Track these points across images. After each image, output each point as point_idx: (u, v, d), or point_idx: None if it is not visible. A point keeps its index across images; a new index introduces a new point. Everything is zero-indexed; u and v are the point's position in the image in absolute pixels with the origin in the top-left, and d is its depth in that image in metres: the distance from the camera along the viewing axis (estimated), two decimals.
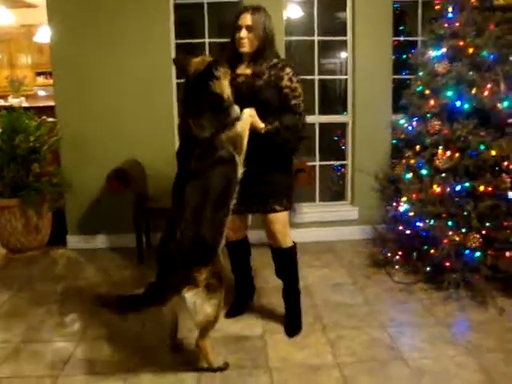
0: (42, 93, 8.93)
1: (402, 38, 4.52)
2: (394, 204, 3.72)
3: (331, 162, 4.81)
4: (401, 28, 4.57)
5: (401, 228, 3.62)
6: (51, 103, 4.54)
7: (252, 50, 2.60)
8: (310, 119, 4.41)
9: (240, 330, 2.83)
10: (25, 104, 6.67)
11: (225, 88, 2.33)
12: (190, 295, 2.22)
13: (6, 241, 4.25)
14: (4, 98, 7.84)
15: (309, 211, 4.46)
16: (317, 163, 4.55)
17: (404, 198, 3.58)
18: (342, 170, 4.67)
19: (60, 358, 2.57)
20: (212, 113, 2.30)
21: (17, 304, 3.28)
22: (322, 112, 4.52)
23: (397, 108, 4.24)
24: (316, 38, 4.37)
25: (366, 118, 4.36)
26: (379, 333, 2.78)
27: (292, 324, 2.83)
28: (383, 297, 3.28)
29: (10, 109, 4.34)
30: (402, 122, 3.92)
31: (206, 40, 4.34)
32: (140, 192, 4.00)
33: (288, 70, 2.57)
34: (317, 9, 4.32)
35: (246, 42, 2.57)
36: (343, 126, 4.56)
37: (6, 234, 4.19)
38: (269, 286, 3.38)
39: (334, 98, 5.30)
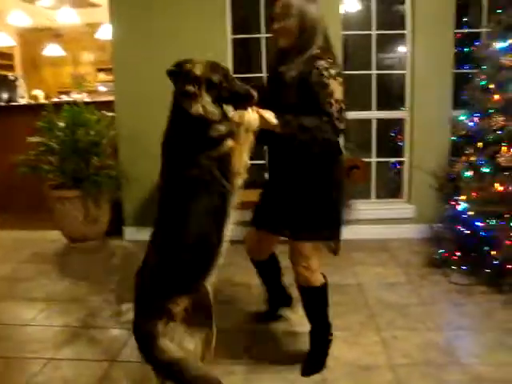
0: (102, 88, 9.23)
1: (464, 30, 4.35)
2: (453, 203, 3.60)
3: (388, 159, 4.70)
4: (464, 19, 4.39)
5: (459, 228, 3.50)
6: (111, 98, 4.67)
7: (291, 44, 2.18)
8: (366, 115, 4.40)
9: (289, 326, 2.82)
10: (86, 99, 6.91)
11: (197, 111, 1.87)
12: (162, 330, 1.81)
13: (67, 230, 4.43)
14: (67, 93, 8.16)
15: (364, 208, 4.38)
16: (373, 160, 4.46)
17: (463, 197, 3.46)
18: (399, 166, 4.56)
19: (116, 345, 2.65)
20: (195, 137, 1.89)
21: (76, 291, 3.42)
22: (379, 107, 4.42)
23: (457, 103, 4.09)
24: (374, 32, 4.27)
25: (424, 114, 4.23)
26: (435, 335, 2.69)
27: (312, 363, 2.43)
28: (439, 298, 3.18)
29: (73, 104, 4.52)
30: (462, 117, 3.78)
31: (263, 35, 4.35)
32: None
33: (320, 62, 2.10)
34: (375, 2, 4.22)
35: (280, 34, 2.18)
36: (401, 121, 4.44)
37: (67, 223, 4.37)
38: None
39: (391, 93, 5.17)
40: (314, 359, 2.43)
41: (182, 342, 1.84)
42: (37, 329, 2.88)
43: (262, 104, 2.04)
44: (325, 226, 2.28)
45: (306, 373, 2.37)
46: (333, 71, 2.11)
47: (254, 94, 1.93)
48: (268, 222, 2.38)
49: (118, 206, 4.58)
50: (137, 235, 4.52)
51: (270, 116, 2.04)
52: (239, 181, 1.96)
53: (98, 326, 2.89)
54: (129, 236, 4.55)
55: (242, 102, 1.96)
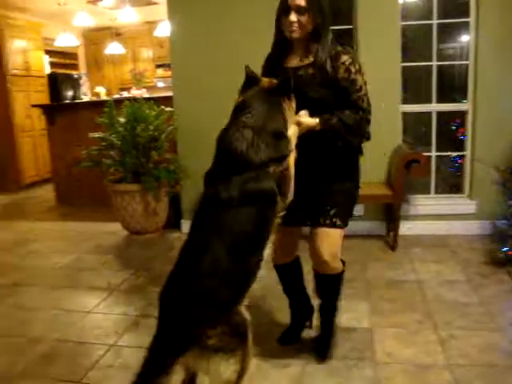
0: (160, 84, 9.47)
1: None
2: None
3: (449, 153, 4.54)
4: None
5: None
6: (169, 94, 4.78)
7: (304, 36, 2.11)
8: (426, 108, 4.27)
9: (347, 321, 2.79)
10: (145, 95, 7.09)
11: (291, 115, 1.94)
12: (194, 360, 1.68)
13: (127, 223, 4.58)
14: (128, 89, 8.41)
15: (423, 203, 4.27)
16: (433, 154, 4.33)
17: None
18: (460, 161, 4.41)
19: None
20: (273, 136, 1.83)
21: (136, 282, 3.53)
22: (440, 100, 4.28)
23: None
24: (435, 22, 4.13)
25: (488, 106, 4.06)
26: (497, 336, 2.59)
27: (324, 346, 2.45)
28: (502, 298, 3.05)
29: (133, 100, 4.66)
30: None
31: None
32: None
33: (344, 57, 2.08)
34: None
35: (297, 27, 2.07)
36: (462, 114, 4.28)
37: (127, 216, 4.52)
38: (383, 276, 3.30)
39: (452, 84, 4.99)
40: (327, 342, 2.45)
41: (216, 371, 1.68)
42: (99, 316, 3.01)
43: None
44: (351, 213, 2.31)
45: (324, 356, 2.41)
46: (357, 65, 2.10)
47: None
48: (295, 215, 2.25)
49: (176, 200, 4.69)
50: None
51: (307, 118, 2.05)
52: (288, 201, 1.93)
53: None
54: (186, 229, 4.62)
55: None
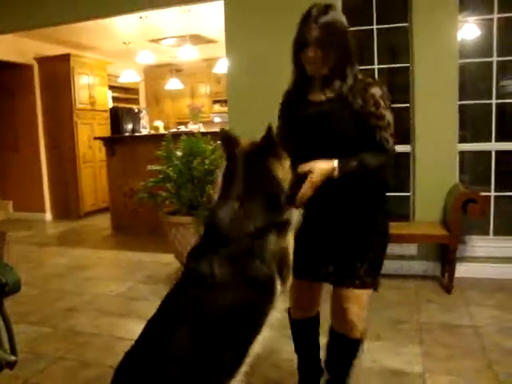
0: (217, 119, 9.70)
1: None
2: None
3: (509, 193, 4.37)
4: None
5: None
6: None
7: (326, 71, 1.87)
8: (485, 147, 4.16)
9: (398, 364, 2.68)
10: (202, 129, 7.28)
11: (286, 175, 1.70)
12: None
13: (180, 254, 4.65)
14: (185, 124, 8.67)
15: (481, 245, 4.11)
16: (492, 194, 4.19)
17: None
18: None
19: None
20: (267, 200, 1.63)
21: None
22: (500, 138, 4.16)
23: None
24: (495, 59, 4.06)
25: None
26: None
27: None
28: None
29: (190, 134, 4.80)
30: None
31: (375, 66, 4.35)
32: None
33: (373, 90, 1.83)
34: (496, 27, 4.03)
35: (318, 62, 1.84)
36: None
37: (181, 248, 4.59)
38: (437, 320, 3.18)
39: None
40: None
41: None
42: None
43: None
44: (381, 267, 1.99)
45: None
46: (387, 101, 1.86)
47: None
48: (315, 269, 2.00)
49: None
50: None
51: (321, 162, 1.79)
52: (288, 286, 1.68)
53: None
54: None
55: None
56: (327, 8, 1.82)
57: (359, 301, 1.93)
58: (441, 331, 3.08)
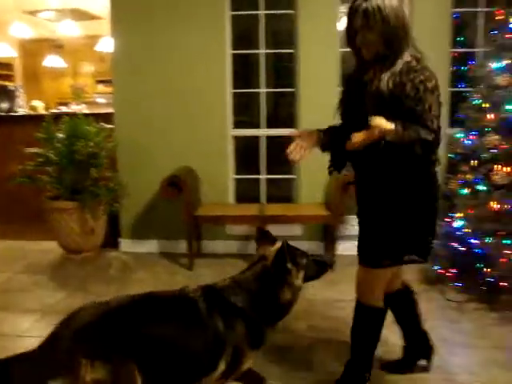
0: (101, 100, 9.28)
1: (460, 50, 4.41)
2: (448, 220, 3.61)
3: None
4: (459, 39, 4.46)
5: (454, 245, 3.51)
6: (110, 110, 4.71)
7: (377, 55, 1.99)
8: None
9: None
10: (85, 111, 6.94)
11: (299, 283, 2.00)
12: None
13: (63, 241, 4.43)
14: (67, 104, 8.20)
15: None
16: None
17: (459, 214, 3.48)
18: None
19: None
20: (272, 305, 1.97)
21: (72, 302, 3.39)
22: None
23: (453, 122, 4.13)
24: None
25: None
26: None
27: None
28: (434, 315, 3.17)
29: (73, 115, 4.55)
30: (458, 135, 3.82)
31: (262, 51, 4.42)
32: (192, 198, 4.08)
33: (414, 74, 1.91)
34: None
35: (367, 47, 1.98)
36: None
37: (64, 234, 4.37)
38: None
39: None
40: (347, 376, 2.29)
41: None
42: (32, 340, 2.86)
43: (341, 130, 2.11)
44: (390, 250, 2.18)
45: None
46: (429, 84, 1.92)
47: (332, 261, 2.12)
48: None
49: (113, 218, 4.59)
50: (133, 247, 4.53)
51: (385, 121, 1.85)
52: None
53: None
54: (125, 248, 4.56)
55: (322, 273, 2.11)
56: None
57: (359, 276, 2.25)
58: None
